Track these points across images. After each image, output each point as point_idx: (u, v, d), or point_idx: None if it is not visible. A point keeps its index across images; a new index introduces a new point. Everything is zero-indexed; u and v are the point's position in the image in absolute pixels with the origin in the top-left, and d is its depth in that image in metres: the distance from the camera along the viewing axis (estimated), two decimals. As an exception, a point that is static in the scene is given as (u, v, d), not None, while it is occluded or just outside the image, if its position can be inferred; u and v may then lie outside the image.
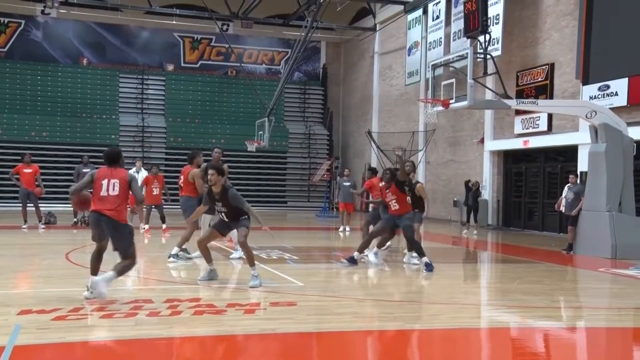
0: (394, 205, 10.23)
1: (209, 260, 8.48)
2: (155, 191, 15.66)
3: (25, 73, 28.52)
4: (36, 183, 16.02)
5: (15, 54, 28.75)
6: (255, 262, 8.40)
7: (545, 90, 18.43)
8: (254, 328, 6.09)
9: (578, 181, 14.24)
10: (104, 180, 7.10)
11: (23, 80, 28.46)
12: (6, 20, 28.63)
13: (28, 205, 15.89)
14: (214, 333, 5.84)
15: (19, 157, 17.27)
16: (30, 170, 15.93)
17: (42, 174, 16.60)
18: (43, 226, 16.01)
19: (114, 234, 7.10)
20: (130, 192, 7.20)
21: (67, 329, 5.78)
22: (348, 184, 17.57)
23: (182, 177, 11.52)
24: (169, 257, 10.33)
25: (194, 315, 6.40)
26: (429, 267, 9.97)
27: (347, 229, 17.21)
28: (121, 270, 7.16)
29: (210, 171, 8.23)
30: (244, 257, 8.55)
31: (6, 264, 9.88)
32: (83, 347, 5.41)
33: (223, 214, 8.37)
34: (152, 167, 16.11)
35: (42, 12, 27.31)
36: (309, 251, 13.20)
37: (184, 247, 10.53)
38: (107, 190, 7.07)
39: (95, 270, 7.16)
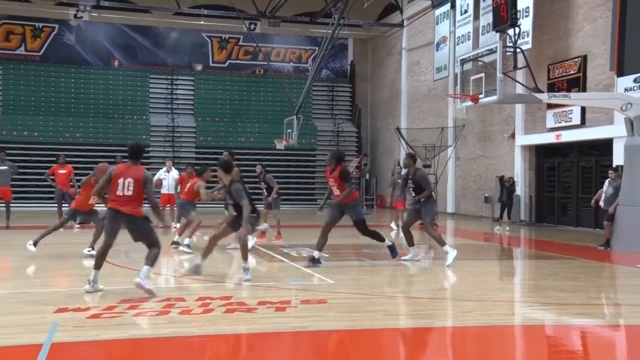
0: (336, 191, 10.04)
1: (206, 254, 8.84)
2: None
3: (59, 76, 29.05)
4: (70, 183, 16.30)
5: (49, 58, 29.30)
6: (249, 257, 8.61)
7: (578, 83, 18.10)
8: (285, 326, 6.11)
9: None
10: (120, 179, 7.26)
11: (57, 83, 28.99)
12: (41, 25, 29.19)
13: (63, 205, 16.18)
14: (245, 331, 5.88)
15: (54, 159, 17.60)
16: (64, 171, 16.23)
17: (75, 174, 16.89)
18: (78, 226, 16.27)
19: (133, 229, 7.34)
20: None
21: (102, 326, 5.88)
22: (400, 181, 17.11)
23: (182, 182, 13.13)
24: (178, 247, 11.48)
25: (226, 313, 6.45)
26: (393, 251, 10.20)
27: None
28: (152, 260, 7.35)
29: (218, 168, 8.70)
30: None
31: (43, 264, 10.08)
32: (118, 344, 5.49)
33: (231, 207, 8.75)
34: (187, 167, 16.22)
35: (75, 16, 27.78)
36: (338, 249, 13.17)
37: (186, 242, 11.49)
38: (123, 190, 7.23)
39: (99, 265, 7.42)
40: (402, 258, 10.58)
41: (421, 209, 10.56)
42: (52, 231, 10.98)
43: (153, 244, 7.42)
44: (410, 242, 10.72)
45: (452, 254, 10.25)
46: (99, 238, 10.31)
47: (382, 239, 10.23)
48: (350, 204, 10.08)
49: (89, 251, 10.51)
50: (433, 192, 12.00)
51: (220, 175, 8.64)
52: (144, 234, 7.43)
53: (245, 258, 8.53)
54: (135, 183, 7.23)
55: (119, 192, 7.24)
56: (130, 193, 7.22)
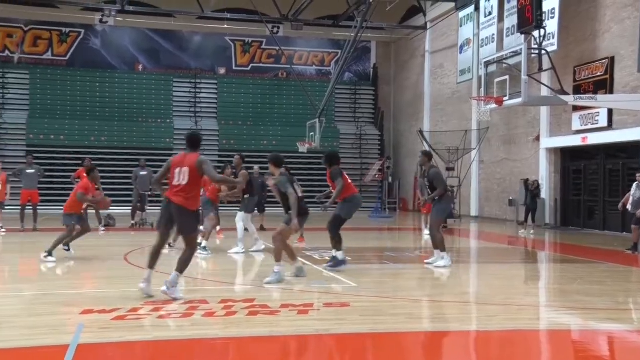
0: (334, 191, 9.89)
1: (293, 257, 8.92)
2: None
3: (85, 80, 29.46)
4: (96, 186, 16.47)
5: (75, 62, 29.74)
6: (302, 261, 8.51)
7: (604, 85, 17.85)
8: (308, 329, 6.10)
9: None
10: (177, 168, 7.20)
11: (83, 87, 29.40)
12: (67, 30, 29.64)
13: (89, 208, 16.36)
14: (268, 334, 5.88)
15: (80, 162, 17.83)
16: (90, 174, 16.40)
17: (100, 177, 17.07)
18: (103, 228, 16.47)
19: (180, 220, 7.22)
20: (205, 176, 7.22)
21: (126, 328, 5.93)
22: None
23: (205, 184, 12.62)
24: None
25: (249, 315, 6.46)
26: (338, 263, 9.58)
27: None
28: (182, 266, 7.29)
29: (269, 163, 9.03)
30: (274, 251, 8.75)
31: (68, 266, 10.20)
32: (142, 346, 5.53)
33: (284, 207, 8.87)
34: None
35: (101, 21, 28.19)
36: (361, 252, 13.15)
37: (203, 244, 11.31)
38: (179, 179, 7.15)
39: (152, 265, 7.35)
40: (425, 261, 10.50)
41: (434, 208, 10.47)
42: (63, 240, 10.69)
43: (188, 244, 7.35)
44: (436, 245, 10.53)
45: (445, 261, 10.16)
46: (74, 239, 10.68)
47: (336, 247, 9.69)
48: (346, 198, 9.85)
49: (65, 249, 10.64)
50: (450, 192, 11.80)
51: (271, 169, 8.96)
52: (185, 229, 7.31)
53: (278, 260, 8.54)
54: (190, 170, 7.09)
55: (175, 182, 7.15)
56: (184, 182, 7.07)
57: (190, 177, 7.11)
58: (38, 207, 16.46)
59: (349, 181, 9.65)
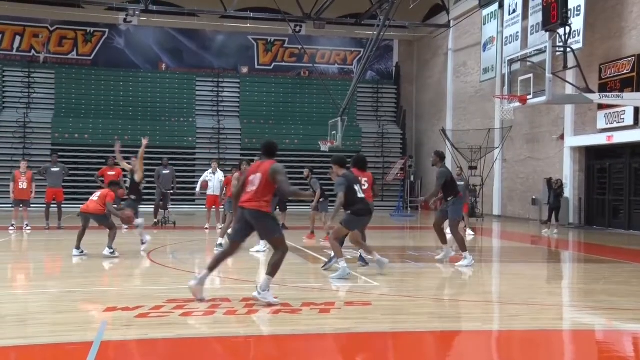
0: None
1: (369, 251, 9.42)
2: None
3: (109, 79, 29.77)
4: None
5: (100, 62, 30.08)
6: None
7: (631, 83, 17.58)
8: (329, 327, 6.11)
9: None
10: (252, 175, 7.13)
11: (107, 86, 29.72)
12: (92, 29, 30.00)
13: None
14: (289, 332, 5.90)
15: (104, 160, 18.04)
16: (114, 173, 16.63)
17: (124, 176, 17.27)
18: (126, 227, 16.63)
19: (256, 224, 7.02)
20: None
21: (149, 326, 5.99)
22: (461, 183, 16.84)
23: (228, 184, 13.52)
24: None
25: (270, 314, 6.48)
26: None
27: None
28: (272, 269, 7.02)
29: (333, 164, 9.51)
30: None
31: (92, 264, 10.33)
32: (165, 344, 5.58)
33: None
34: (242, 163, 16.54)
35: (125, 20, 28.48)
36: (383, 251, 13.07)
37: (219, 241, 11.80)
38: (252, 184, 7.04)
39: (212, 267, 7.12)
40: (456, 265, 10.41)
41: (448, 209, 10.41)
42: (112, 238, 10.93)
43: (276, 246, 7.12)
44: (444, 240, 10.65)
45: (467, 261, 10.10)
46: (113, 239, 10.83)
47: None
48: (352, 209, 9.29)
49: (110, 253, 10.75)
50: (471, 190, 11.75)
51: (335, 170, 9.32)
52: (265, 232, 7.20)
53: (339, 255, 8.83)
54: (263, 176, 6.98)
55: (248, 188, 7.04)
56: (254, 187, 6.97)
57: (261, 182, 6.99)
58: (63, 205, 16.68)
59: (359, 194, 9.18)
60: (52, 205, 16.28)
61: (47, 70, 29.21)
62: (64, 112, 28.71)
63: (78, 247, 10.83)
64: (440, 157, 10.73)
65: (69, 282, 8.52)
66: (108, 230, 10.95)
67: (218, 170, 17.09)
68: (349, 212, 9.04)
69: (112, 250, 10.74)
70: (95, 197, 10.96)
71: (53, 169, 16.41)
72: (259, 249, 11.75)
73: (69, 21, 29.55)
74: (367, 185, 9.94)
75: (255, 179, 7.05)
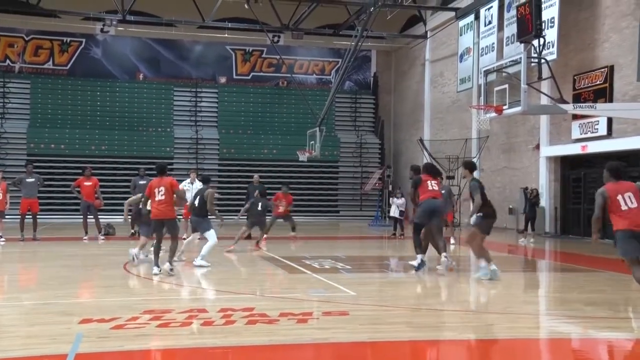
0: None
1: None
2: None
3: (86, 89, 29.52)
4: (96, 195, 16.51)
5: (76, 71, 29.82)
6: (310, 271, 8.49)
7: (604, 94, 17.88)
8: (307, 337, 6.09)
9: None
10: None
11: (84, 96, 29.46)
12: (68, 39, 29.75)
13: (88, 217, 16.39)
14: (266, 342, 5.88)
15: (80, 171, 17.86)
16: (90, 183, 16.45)
17: (101, 186, 17.11)
18: (103, 237, 16.47)
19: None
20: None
21: (125, 337, 5.92)
22: (443, 192, 16.69)
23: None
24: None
25: (248, 324, 6.45)
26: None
27: None
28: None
29: (462, 168, 10.33)
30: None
31: (68, 275, 10.20)
32: (141, 355, 5.53)
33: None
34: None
35: (102, 30, 28.27)
36: (361, 260, 13.14)
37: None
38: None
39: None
40: (476, 276, 10.29)
41: (478, 223, 10.19)
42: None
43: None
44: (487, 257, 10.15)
45: (483, 272, 9.97)
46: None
47: None
48: None
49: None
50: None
51: (464, 173, 10.02)
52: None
53: (485, 259, 9.25)
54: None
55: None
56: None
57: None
58: (38, 216, 16.46)
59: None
60: (27, 216, 16.05)
61: (22, 80, 28.90)
62: (39, 122, 28.39)
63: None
64: (470, 167, 10.49)
65: (43, 294, 8.40)
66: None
67: (197, 180, 16.99)
68: (481, 214, 9.61)
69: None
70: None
71: (28, 180, 16.19)
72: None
73: (45, 31, 29.28)
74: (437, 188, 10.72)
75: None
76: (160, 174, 9.80)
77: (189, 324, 6.41)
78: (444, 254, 10.76)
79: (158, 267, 9.60)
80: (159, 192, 9.55)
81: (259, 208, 14.79)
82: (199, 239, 12.16)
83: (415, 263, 10.64)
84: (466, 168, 10.36)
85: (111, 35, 29.61)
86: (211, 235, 11.04)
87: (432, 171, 11.03)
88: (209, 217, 11.33)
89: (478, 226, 9.77)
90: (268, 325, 6.44)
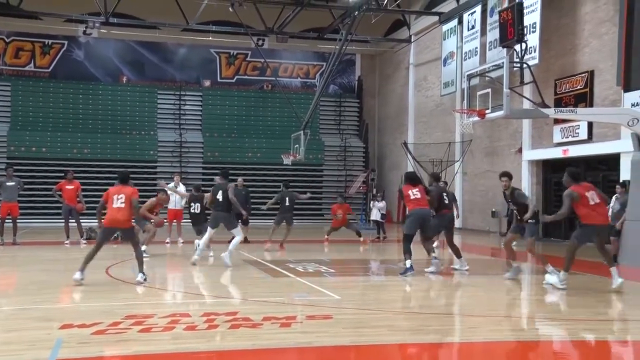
0: None
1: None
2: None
3: (68, 92, 29.25)
4: (78, 199, 16.36)
5: (58, 74, 29.55)
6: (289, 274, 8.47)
7: (584, 98, 18.08)
8: (290, 342, 6.09)
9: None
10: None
11: (66, 99, 29.19)
12: (50, 41, 29.48)
13: (70, 221, 16.23)
14: (250, 347, 5.86)
15: (62, 174, 17.69)
16: (72, 187, 16.30)
17: (83, 190, 16.96)
18: (85, 241, 16.32)
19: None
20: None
21: (106, 342, 5.87)
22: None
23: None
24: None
25: (231, 329, 6.43)
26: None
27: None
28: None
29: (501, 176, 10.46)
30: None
31: (49, 279, 10.10)
32: (122, 360, 5.48)
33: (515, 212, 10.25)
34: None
35: (84, 32, 27.97)
36: (345, 264, 13.15)
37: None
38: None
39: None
40: (505, 277, 10.65)
41: (525, 227, 10.39)
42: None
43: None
44: (513, 257, 10.83)
45: (552, 279, 9.84)
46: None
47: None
48: None
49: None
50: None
51: (505, 182, 10.34)
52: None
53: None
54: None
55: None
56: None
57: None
58: (18, 221, 16.28)
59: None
60: (7, 221, 15.86)
61: (3, 83, 28.56)
62: (20, 125, 28.09)
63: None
64: (510, 177, 10.64)
65: (22, 299, 8.30)
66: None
67: (180, 184, 16.93)
68: (534, 220, 10.02)
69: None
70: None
71: (8, 183, 16.01)
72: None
73: (26, 32, 28.98)
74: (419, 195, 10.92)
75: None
76: (122, 182, 9.69)
77: (171, 329, 6.37)
78: (433, 254, 11.06)
79: (81, 272, 9.29)
80: (117, 199, 9.42)
81: (287, 203, 15.19)
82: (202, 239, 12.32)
83: (431, 269, 10.96)
84: (505, 176, 10.62)
85: (94, 37, 29.37)
86: (237, 231, 11.67)
87: (410, 180, 11.22)
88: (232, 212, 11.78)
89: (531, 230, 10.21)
90: (251, 330, 6.43)
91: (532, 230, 10.34)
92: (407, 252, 10.67)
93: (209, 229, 11.91)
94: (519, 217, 10.38)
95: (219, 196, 11.57)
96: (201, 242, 11.97)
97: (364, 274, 12.06)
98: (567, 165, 20.12)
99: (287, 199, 15.54)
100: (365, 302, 8.46)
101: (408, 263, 10.59)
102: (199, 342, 6.00)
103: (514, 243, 10.77)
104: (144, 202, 12.77)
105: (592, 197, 9.09)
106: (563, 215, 9.46)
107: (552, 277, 9.79)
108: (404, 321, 7.41)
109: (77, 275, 9.26)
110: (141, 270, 9.43)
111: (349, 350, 5.98)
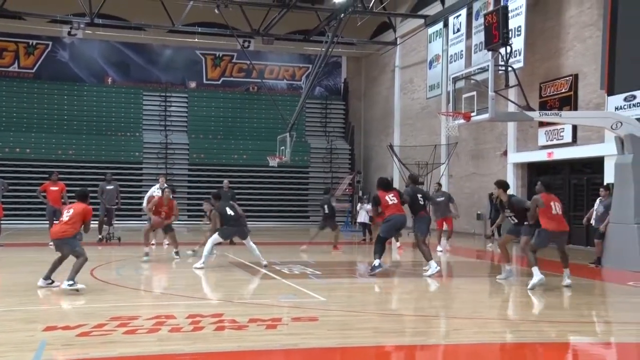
0: None
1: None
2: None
3: (53, 93, 29.06)
4: (62, 200, 16.23)
5: (43, 75, 29.33)
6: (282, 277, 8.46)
7: (569, 102, 18.24)
8: (276, 343, 6.09)
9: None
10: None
11: (50, 100, 28.99)
12: (34, 42, 29.26)
13: (55, 222, 16.07)
14: (235, 349, 5.85)
15: (47, 175, 17.55)
16: (56, 188, 16.17)
17: (68, 191, 16.83)
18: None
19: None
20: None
21: (91, 344, 5.84)
22: (442, 198, 17.10)
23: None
24: None
25: (216, 331, 6.42)
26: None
27: (447, 247, 17.05)
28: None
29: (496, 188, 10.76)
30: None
31: (33, 281, 9.99)
32: (106, 363, 5.45)
33: (513, 217, 10.55)
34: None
35: (69, 33, 27.77)
36: (331, 266, 13.16)
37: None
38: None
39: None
40: (498, 278, 10.79)
41: (523, 229, 10.56)
42: None
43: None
44: (507, 259, 11.21)
45: (538, 278, 9.82)
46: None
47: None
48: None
49: None
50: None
51: (499, 193, 10.65)
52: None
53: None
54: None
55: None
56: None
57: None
58: (2, 222, 16.12)
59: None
60: (-9, 222, 15.70)
61: (-14, 83, 28.32)
62: (4, 126, 27.85)
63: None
64: (504, 187, 10.88)
65: (6, 301, 8.22)
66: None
67: (165, 185, 16.83)
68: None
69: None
70: None
71: (-9, 185, 15.85)
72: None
73: (10, 33, 28.72)
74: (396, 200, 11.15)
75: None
76: (80, 200, 9.54)
77: (156, 331, 6.34)
78: (434, 259, 11.33)
79: (45, 280, 9.20)
80: (67, 213, 9.38)
81: (326, 211, 15.93)
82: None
83: (429, 272, 11.01)
84: (500, 187, 10.81)
85: (79, 38, 29.19)
86: (249, 240, 11.83)
87: (384, 186, 11.40)
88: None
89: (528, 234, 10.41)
90: (237, 332, 6.42)
91: (528, 231, 10.47)
92: (378, 253, 10.92)
93: (216, 235, 11.71)
94: (515, 222, 10.68)
95: (231, 212, 11.59)
96: (205, 248, 11.82)
97: (349, 275, 12.08)
98: (552, 168, 20.48)
99: (325, 207, 15.97)
100: (351, 304, 8.47)
101: (377, 262, 10.83)
102: (184, 343, 5.98)
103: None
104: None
105: (555, 207, 9.95)
106: (532, 217, 10.11)
107: (535, 278, 9.83)
108: (390, 323, 7.43)
109: (41, 282, 9.26)
110: (72, 277, 8.88)
111: (335, 352, 5.99)
